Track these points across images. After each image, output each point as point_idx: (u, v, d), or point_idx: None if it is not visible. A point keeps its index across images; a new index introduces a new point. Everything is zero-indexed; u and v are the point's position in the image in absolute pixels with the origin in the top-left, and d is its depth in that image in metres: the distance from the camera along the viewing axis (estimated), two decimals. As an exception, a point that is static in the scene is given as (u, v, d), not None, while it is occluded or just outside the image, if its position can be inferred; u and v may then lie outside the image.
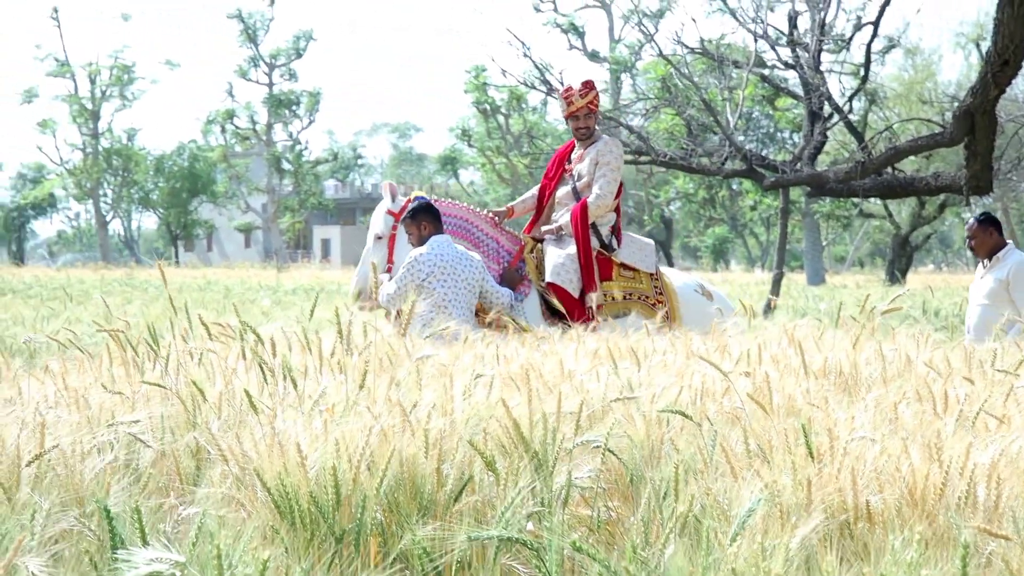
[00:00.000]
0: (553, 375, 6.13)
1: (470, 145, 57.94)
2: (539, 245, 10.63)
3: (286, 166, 70.37)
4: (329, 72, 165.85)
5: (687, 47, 23.65)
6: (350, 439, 4.10)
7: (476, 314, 9.95)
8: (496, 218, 10.70)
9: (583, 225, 10.34)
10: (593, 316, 9.96)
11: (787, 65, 23.31)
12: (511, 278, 10.41)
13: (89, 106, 71.60)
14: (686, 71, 23.64)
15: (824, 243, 62.10)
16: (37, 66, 73.18)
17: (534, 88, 22.81)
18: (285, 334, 6.03)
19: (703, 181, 53.57)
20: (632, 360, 6.61)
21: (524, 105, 55.91)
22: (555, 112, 64.33)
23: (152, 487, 4.71)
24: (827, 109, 21.92)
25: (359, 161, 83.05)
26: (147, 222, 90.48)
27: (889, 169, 19.60)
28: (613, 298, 10.37)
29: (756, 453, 4.46)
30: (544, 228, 10.67)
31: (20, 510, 3.83)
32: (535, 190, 11.07)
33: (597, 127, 10.80)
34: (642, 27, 31.30)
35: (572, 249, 10.36)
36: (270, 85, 70.10)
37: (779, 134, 60.89)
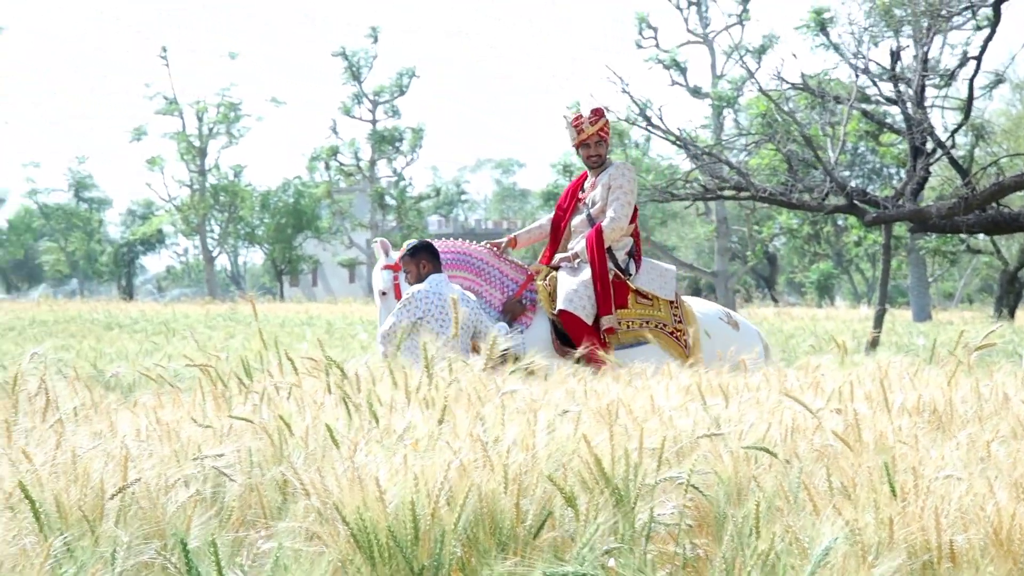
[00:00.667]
0: (643, 410, 6.11)
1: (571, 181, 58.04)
2: (553, 273, 10.46)
3: (389, 202, 70.82)
4: (432, 108, 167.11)
5: (787, 83, 23.52)
6: (429, 474, 4.11)
7: (473, 350, 9.78)
8: (495, 248, 10.56)
9: (598, 250, 10.14)
10: (606, 341, 9.84)
11: (889, 100, 23.11)
12: (512, 308, 10.25)
13: (196, 143, 72.58)
14: (788, 106, 23.52)
15: (931, 279, 61.35)
16: (146, 104, 74.40)
17: (634, 124, 22.79)
18: (369, 368, 6.05)
19: (807, 216, 53.19)
20: (722, 396, 6.58)
21: (626, 140, 55.87)
22: (658, 147, 64.25)
23: (236, 521, 4.75)
24: (930, 144, 21.69)
25: (462, 197, 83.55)
26: (253, 257, 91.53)
27: (995, 204, 19.36)
28: (628, 326, 10.14)
29: (840, 491, 4.41)
30: (559, 256, 10.50)
31: (102, 543, 3.86)
32: (543, 220, 10.94)
33: (609, 155, 10.63)
34: (743, 63, 31.22)
35: (586, 275, 10.17)
36: (373, 122, 70.65)
37: (885, 170, 60.37)
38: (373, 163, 70.80)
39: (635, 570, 3.67)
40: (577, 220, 10.53)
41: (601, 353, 8.19)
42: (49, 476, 4.14)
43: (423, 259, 10.00)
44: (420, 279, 9.91)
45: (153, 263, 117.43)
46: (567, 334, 10.02)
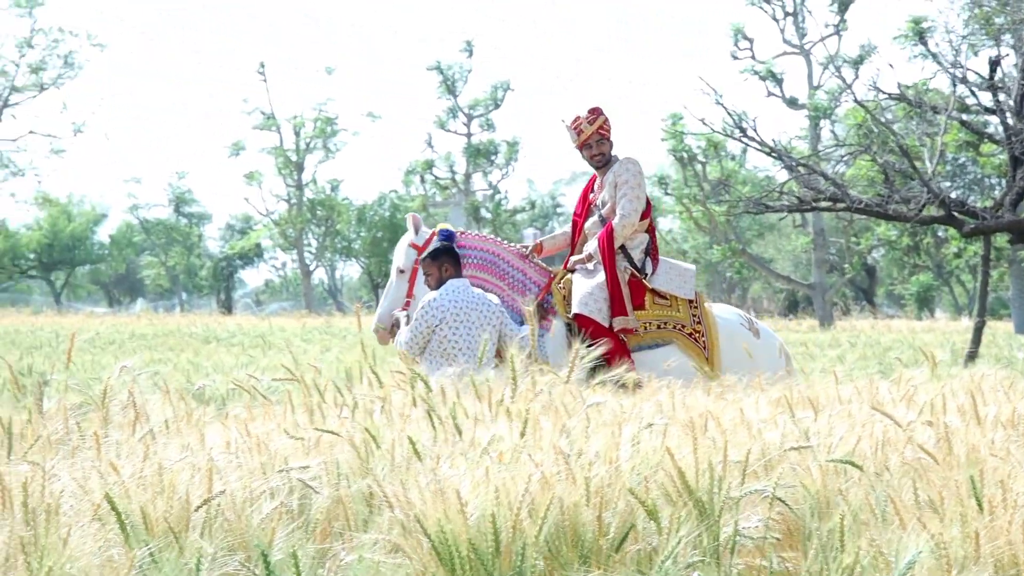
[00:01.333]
0: (733, 423, 6.08)
1: (667, 193, 57.76)
2: (568, 276, 10.23)
3: (485, 215, 70.99)
4: (528, 121, 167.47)
5: (884, 93, 23.29)
6: (511, 486, 4.11)
7: (498, 355, 9.59)
8: (525, 250, 10.33)
9: (609, 249, 9.93)
10: (624, 345, 9.60)
11: (988, 110, 22.82)
12: (539, 314, 9.83)
13: (294, 158, 73.16)
14: (887, 116, 23.31)
15: (1033, 290, 60.42)
16: (244, 120, 75.28)
17: (731, 137, 22.68)
18: (454, 381, 6.06)
19: (906, 228, 52.66)
20: (812, 409, 6.53)
21: (723, 152, 55.63)
22: (754, 158, 63.84)
23: (320, 533, 4.78)
24: (1030, 154, 21.36)
25: (558, 209, 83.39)
26: (350, 271, 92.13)
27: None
28: (646, 327, 9.90)
29: (927, 504, 4.36)
30: (575, 258, 10.30)
31: (187, 554, 3.91)
32: (567, 227, 10.75)
33: (614, 153, 10.37)
34: (839, 74, 30.98)
35: (601, 277, 9.94)
36: (468, 135, 70.86)
37: (986, 180, 59.62)
38: (468, 176, 71.00)
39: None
40: (590, 223, 10.35)
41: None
42: (136, 488, 4.20)
43: (446, 263, 9.74)
44: (440, 283, 9.68)
45: (252, 277, 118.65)
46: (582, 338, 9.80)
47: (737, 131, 22.25)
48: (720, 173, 51.39)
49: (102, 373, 14.91)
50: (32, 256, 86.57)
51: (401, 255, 10.09)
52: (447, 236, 10.00)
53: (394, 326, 9.85)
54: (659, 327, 9.89)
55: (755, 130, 22.08)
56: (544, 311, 9.89)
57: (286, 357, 8.79)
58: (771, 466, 5.21)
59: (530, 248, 10.34)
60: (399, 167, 74.02)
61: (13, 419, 5.92)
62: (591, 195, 10.43)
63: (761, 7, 53.73)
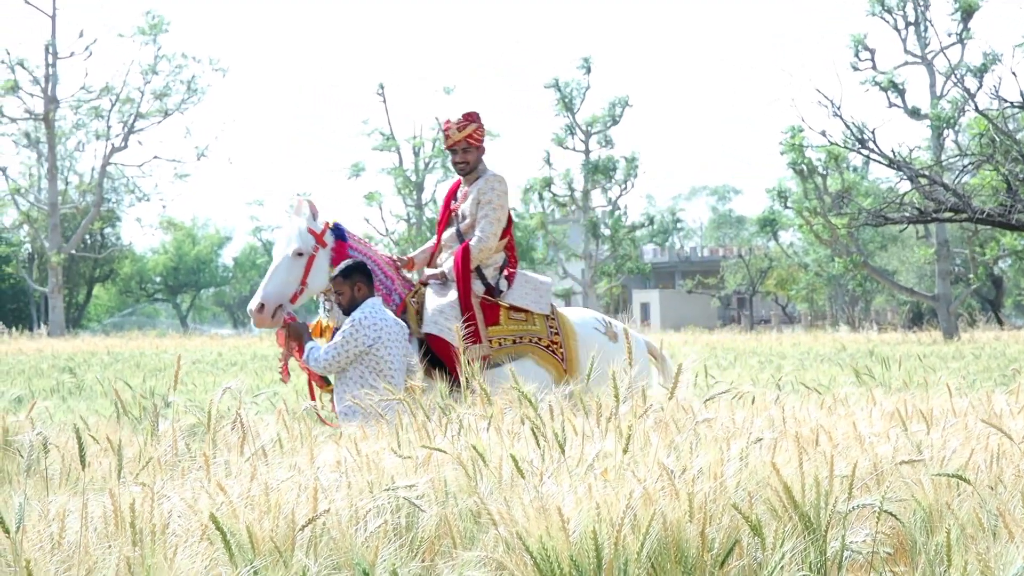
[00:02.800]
0: (845, 437, 6.04)
1: (787, 206, 57.29)
2: (422, 290, 9.82)
3: (604, 231, 70.93)
4: (646, 137, 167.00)
5: (1007, 101, 22.96)
6: (612, 502, 4.11)
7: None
8: (397, 262, 9.92)
9: (464, 271, 9.57)
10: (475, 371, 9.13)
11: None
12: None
13: (413, 178, 73.67)
14: (1010, 125, 22.97)
15: None
16: (364, 141, 75.83)
17: (850, 149, 22.47)
18: (558, 398, 6.06)
19: (1032, 237, 51.75)
20: (925, 422, 6.46)
21: (843, 164, 55.09)
22: (877, 170, 63.08)
23: (427, 551, 4.81)
24: None
25: (678, 225, 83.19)
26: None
27: None
28: (500, 343, 9.49)
29: (1037, 518, 4.30)
30: (428, 272, 9.93)
31: (292, 572, 3.95)
32: (432, 241, 10.27)
33: (483, 162, 10.01)
34: (962, 84, 30.58)
35: (453, 295, 9.59)
36: (587, 152, 70.83)
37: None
38: (587, 193, 70.97)
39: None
40: (448, 234, 10.04)
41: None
42: (244, 507, 4.26)
43: (359, 282, 9.16)
44: (352, 303, 9.10)
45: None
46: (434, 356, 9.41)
47: (856, 143, 22.05)
48: (841, 185, 50.84)
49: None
50: (158, 279, 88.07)
51: (297, 238, 9.40)
52: (339, 231, 9.56)
53: (277, 310, 9.22)
54: (514, 342, 9.54)
55: (874, 141, 21.86)
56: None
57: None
58: (882, 480, 5.17)
59: (403, 262, 10.00)
60: (517, 185, 73.98)
61: (133, 441, 6.04)
62: (453, 202, 10.08)
63: (883, 17, 53.15)
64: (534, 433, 5.54)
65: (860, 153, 22.04)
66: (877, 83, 52.76)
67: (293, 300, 9.24)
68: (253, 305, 9.15)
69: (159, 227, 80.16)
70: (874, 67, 52.77)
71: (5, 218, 73.39)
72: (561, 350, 9.58)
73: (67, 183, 72.28)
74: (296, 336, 9.21)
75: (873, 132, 21.71)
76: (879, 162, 21.97)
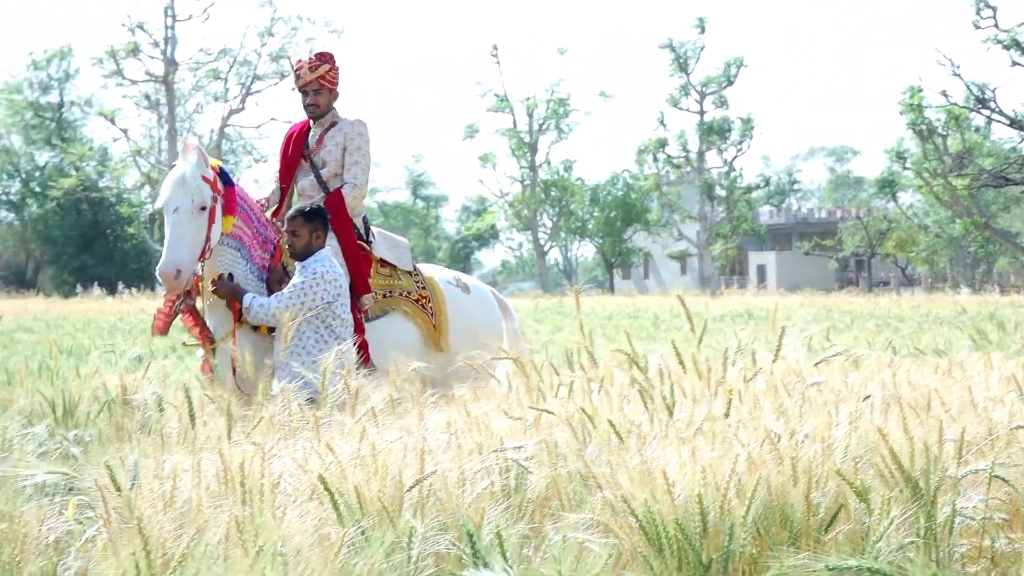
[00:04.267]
0: (960, 402, 5.97)
1: (906, 167, 56.60)
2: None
3: (719, 193, 70.56)
4: (762, 98, 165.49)
5: None
6: (717, 467, 4.11)
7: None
8: (265, 204, 9.27)
9: (345, 218, 9.05)
10: (361, 324, 8.76)
11: None
12: (278, 277, 8.88)
13: (527, 139, 73.73)
14: None
15: None
16: (478, 103, 75.97)
17: (970, 109, 22.14)
18: (664, 360, 6.06)
19: None
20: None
21: (964, 124, 54.26)
22: (999, 131, 62.00)
23: (534, 512, 4.84)
24: None
25: (795, 186, 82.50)
26: (584, 251, 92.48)
27: None
28: (373, 297, 9.00)
29: None
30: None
31: (399, 533, 3.99)
32: (275, 187, 9.58)
33: (335, 106, 9.42)
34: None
35: (333, 244, 8.99)
36: (701, 113, 70.49)
37: None
38: (701, 154, 70.63)
39: (919, 566, 3.58)
40: (306, 182, 9.41)
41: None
42: (353, 468, 4.31)
43: (319, 229, 8.55)
44: (307, 250, 8.47)
45: (488, 258, 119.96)
46: None
47: (976, 103, 21.72)
48: (961, 146, 50.04)
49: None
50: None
51: (196, 189, 8.43)
52: (225, 175, 8.71)
53: (196, 278, 8.39)
54: (384, 296, 9.12)
55: (995, 101, 21.51)
56: (286, 275, 8.88)
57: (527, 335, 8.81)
58: (997, 445, 5.11)
59: (266, 206, 9.35)
60: (632, 146, 73.82)
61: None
62: (306, 148, 9.44)
63: (1004, -27, 52.21)
64: (642, 396, 5.54)
65: (980, 113, 21.72)
66: (999, 41, 51.82)
67: (201, 258, 8.41)
68: (169, 268, 8.21)
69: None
70: (996, 25, 51.83)
71: (127, 179, 74.52)
72: (430, 305, 9.31)
73: (186, 145, 73.18)
74: (229, 292, 8.44)
75: (994, 92, 21.36)
76: (1000, 122, 21.67)
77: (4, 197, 77.91)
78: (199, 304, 8.58)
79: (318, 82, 9.33)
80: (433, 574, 3.96)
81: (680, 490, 4.05)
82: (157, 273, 8.26)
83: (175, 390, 6.79)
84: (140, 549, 3.23)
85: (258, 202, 9.16)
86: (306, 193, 9.36)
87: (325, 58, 9.42)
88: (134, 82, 65.91)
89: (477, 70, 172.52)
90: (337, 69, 9.44)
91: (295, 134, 9.57)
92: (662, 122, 71.11)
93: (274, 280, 8.77)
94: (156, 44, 63.72)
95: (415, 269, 9.47)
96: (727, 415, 5.09)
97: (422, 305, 9.28)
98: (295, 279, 8.32)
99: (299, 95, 9.45)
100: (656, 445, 4.62)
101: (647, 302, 42.98)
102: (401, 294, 9.20)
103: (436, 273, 9.73)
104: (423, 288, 9.36)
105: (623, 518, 4.16)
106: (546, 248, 76.78)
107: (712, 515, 4.05)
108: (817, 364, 6.44)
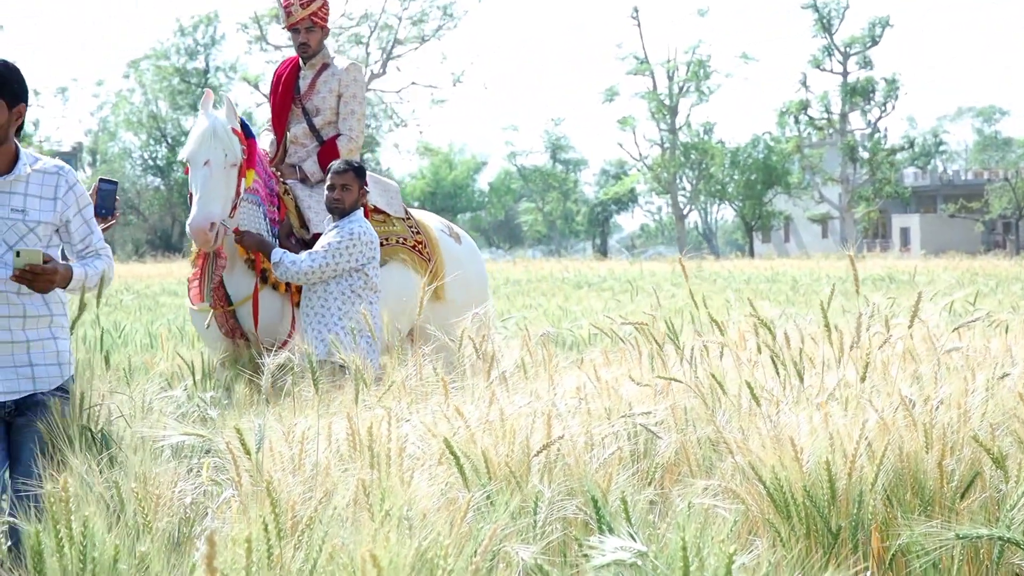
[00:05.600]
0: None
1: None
2: (286, 190, 8.81)
3: (862, 155, 69.62)
4: (909, 57, 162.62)
5: None
6: (845, 432, 4.06)
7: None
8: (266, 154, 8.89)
9: None
10: None
11: None
12: (287, 231, 8.59)
13: (667, 102, 73.36)
14: None
15: None
16: (618, 65, 75.66)
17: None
18: (798, 325, 6.00)
19: None
20: None
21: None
22: None
23: (663, 478, 4.83)
24: None
25: (940, 147, 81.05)
26: (724, 214, 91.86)
27: None
28: None
29: None
30: (287, 167, 8.97)
31: (526, 498, 4.00)
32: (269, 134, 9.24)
33: (326, 45, 9.05)
34: None
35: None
36: (845, 74, 69.55)
37: None
38: (844, 116, 69.73)
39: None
40: (299, 129, 9.04)
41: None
42: (481, 433, 4.32)
43: (365, 185, 8.19)
44: (352, 208, 8.09)
45: (628, 222, 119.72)
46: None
47: None
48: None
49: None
50: (416, 204, 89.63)
51: (228, 143, 8.08)
52: (246, 126, 8.32)
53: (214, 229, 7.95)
54: (382, 244, 8.68)
55: None
56: (289, 231, 8.61)
57: (652, 301, 8.76)
58: None
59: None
60: (773, 108, 73.09)
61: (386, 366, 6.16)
62: (297, 93, 9.05)
63: None
64: (773, 361, 5.50)
65: None
66: None
67: (231, 214, 8.13)
68: (203, 222, 7.85)
69: (417, 152, 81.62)
70: None
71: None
72: (427, 250, 9.00)
73: (328, 109, 73.96)
74: (256, 244, 8.17)
75: None
76: None
77: (151, 162, 79.31)
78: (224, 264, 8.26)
79: (310, 19, 8.93)
80: (559, 538, 3.96)
81: (809, 456, 4.01)
82: (188, 228, 7.97)
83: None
84: (269, 512, 3.27)
85: (264, 150, 8.87)
86: (299, 141, 9.05)
87: None
88: (277, 47, 66.62)
89: (617, 32, 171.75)
90: (327, 5, 9.02)
91: (283, 75, 9.17)
92: (804, 84, 70.32)
93: (283, 234, 8.50)
94: (298, 10, 64.37)
95: (407, 214, 9.13)
96: (863, 379, 5.02)
97: (419, 252, 8.95)
98: (330, 237, 8.00)
99: (289, 34, 9.04)
100: (788, 411, 4.58)
101: (787, 265, 42.57)
102: (397, 241, 8.87)
103: (428, 219, 9.42)
104: (417, 234, 9.04)
105: (751, 484, 4.13)
106: (685, 212, 76.40)
107: (841, 482, 4.01)
108: (956, 329, 6.32)
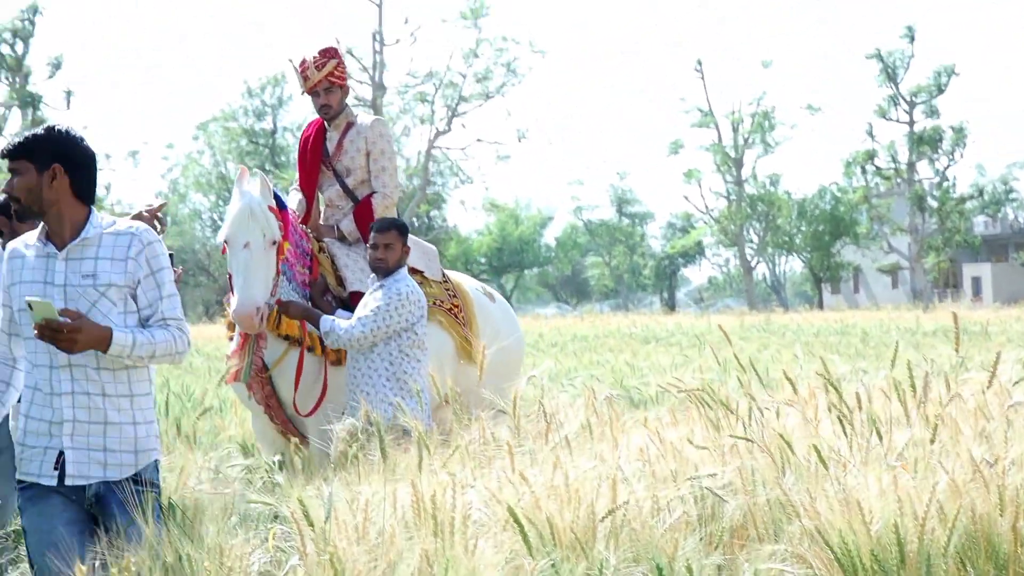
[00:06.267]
0: None
1: None
2: (321, 243, 8.70)
3: (930, 204, 69.14)
4: (976, 104, 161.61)
5: None
6: (915, 495, 4.01)
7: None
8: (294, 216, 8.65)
9: None
10: None
11: None
12: (320, 290, 8.43)
13: (732, 154, 73.23)
14: None
15: None
16: (682, 118, 75.79)
17: None
18: (864, 383, 5.94)
19: None
20: None
21: None
22: None
23: (729, 542, 4.78)
24: None
25: (1011, 194, 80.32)
26: (792, 265, 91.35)
27: None
28: None
29: None
30: (324, 227, 8.86)
31: (592, 565, 3.98)
32: (296, 195, 9.08)
33: (348, 104, 8.93)
34: None
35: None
36: (911, 123, 69.19)
37: None
38: (912, 165, 69.29)
39: None
40: (332, 192, 8.94)
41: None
42: (546, 498, 4.30)
43: (407, 245, 8.12)
44: (395, 267, 8.00)
45: (695, 274, 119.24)
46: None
47: None
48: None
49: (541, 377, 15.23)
50: (483, 260, 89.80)
51: (265, 222, 7.92)
52: (279, 198, 8.19)
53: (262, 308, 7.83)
54: None
55: None
56: (327, 287, 8.50)
57: (717, 358, 8.65)
58: None
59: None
60: (839, 158, 72.75)
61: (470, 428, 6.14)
62: (326, 155, 8.94)
63: None
64: (840, 421, 5.44)
65: None
66: None
67: (272, 291, 8.01)
68: (249, 308, 7.73)
69: (483, 208, 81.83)
70: None
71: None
72: (462, 314, 8.85)
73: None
74: (301, 313, 8.05)
75: None
76: None
77: (220, 223, 79.90)
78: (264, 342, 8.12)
79: (327, 80, 8.81)
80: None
81: (878, 519, 3.96)
82: (233, 315, 7.83)
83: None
84: (333, 582, 3.26)
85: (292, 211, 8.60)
86: (334, 204, 8.95)
87: (330, 53, 8.87)
88: (354, 106, 67.11)
89: (681, 85, 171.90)
90: (344, 63, 8.90)
91: (310, 138, 9.07)
92: (870, 133, 69.96)
93: (317, 293, 8.37)
94: (364, 69, 64.74)
95: (444, 277, 9.02)
96: (933, 440, 4.96)
97: (454, 315, 8.83)
98: (377, 298, 7.90)
99: (310, 98, 8.90)
100: (856, 472, 4.53)
101: (856, 317, 42.27)
102: (434, 303, 8.69)
103: (464, 281, 9.29)
104: (454, 297, 8.92)
105: (819, 549, 4.09)
106: (753, 264, 76.07)
107: (911, 545, 3.96)
108: (1017, 383, 6.23)
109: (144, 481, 4.90)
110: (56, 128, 5.08)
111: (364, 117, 8.98)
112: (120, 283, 4.96)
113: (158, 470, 5.01)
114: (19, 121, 62.49)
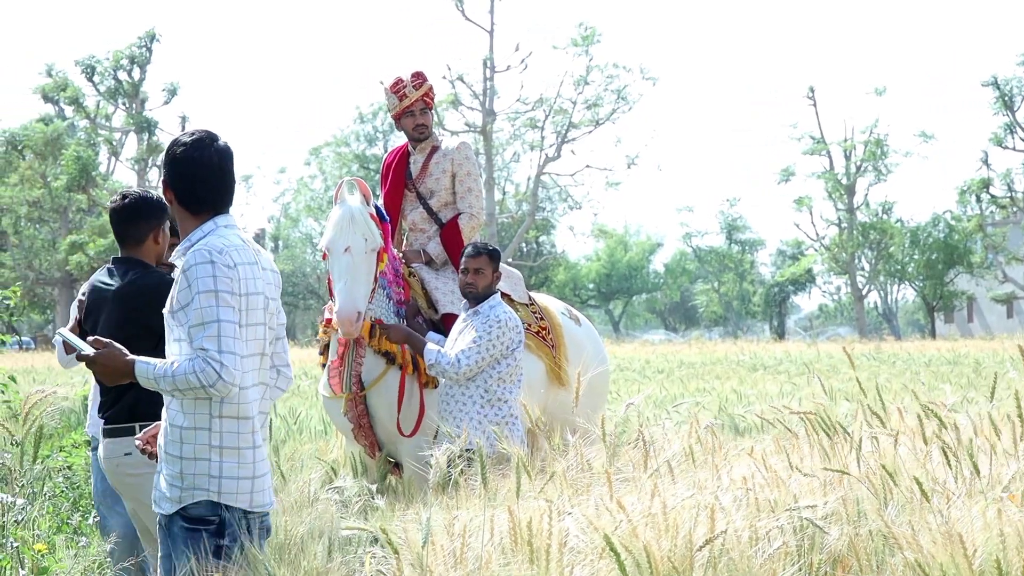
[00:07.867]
0: None
1: None
2: (411, 268, 8.73)
3: (1047, 233, 68.08)
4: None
5: None
6: (1020, 528, 3.94)
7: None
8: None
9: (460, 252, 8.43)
10: None
11: None
12: (413, 311, 8.44)
13: (844, 181, 72.60)
14: None
15: None
16: (793, 145, 75.35)
17: None
18: (969, 415, 5.85)
19: None
20: None
21: None
22: None
23: (829, 574, 4.72)
24: None
25: None
26: (905, 294, 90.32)
27: None
28: None
29: None
30: (410, 251, 8.90)
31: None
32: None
33: (436, 131, 9.00)
34: None
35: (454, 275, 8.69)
36: (1028, 151, 68.24)
37: None
38: (1029, 194, 68.32)
39: None
40: (416, 215, 8.99)
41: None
42: (643, 526, 4.28)
43: (498, 271, 8.09)
44: (488, 293, 8.00)
45: (805, 302, 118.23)
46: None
47: None
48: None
49: (647, 404, 15.23)
50: (591, 286, 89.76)
51: (366, 228, 7.95)
52: (381, 211, 8.27)
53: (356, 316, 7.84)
54: None
55: None
56: (418, 310, 8.51)
57: (823, 387, 8.55)
58: None
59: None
60: (953, 186, 71.87)
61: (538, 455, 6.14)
62: (409, 178, 8.99)
63: None
64: (944, 453, 5.37)
65: None
66: None
67: (369, 300, 8.04)
68: (351, 312, 7.76)
69: (592, 235, 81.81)
70: None
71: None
72: (550, 337, 8.86)
73: (504, 193, 74.52)
74: (403, 338, 8.04)
75: None
76: None
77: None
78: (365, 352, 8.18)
79: (423, 100, 8.91)
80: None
81: (980, 552, 3.90)
82: (335, 318, 7.89)
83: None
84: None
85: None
86: (418, 227, 9.02)
87: (422, 76, 8.96)
88: (454, 133, 67.43)
89: (792, 112, 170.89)
90: (433, 87, 8.99)
91: (394, 162, 9.15)
92: (986, 161, 69.07)
93: (410, 314, 8.39)
94: (475, 95, 65.00)
95: (531, 300, 9.06)
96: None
97: (543, 338, 8.85)
98: (475, 328, 7.88)
99: (398, 121, 9.00)
100: (960, 505, 4.46)
101: (970, 347, 41.66)
102: (523, 327, 8.51)
103: (550, 303, 9.32)
104: (541, 320, 8.95)
105: (924, 582, 4.03)
106: (864, 292, 75.29)
107: (1014, 581, 3.89)
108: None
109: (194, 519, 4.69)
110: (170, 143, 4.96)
111: (449, 141, 9.06)
112: (175, 308, 4.71)
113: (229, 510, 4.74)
114: (135, 146, 63.53)
